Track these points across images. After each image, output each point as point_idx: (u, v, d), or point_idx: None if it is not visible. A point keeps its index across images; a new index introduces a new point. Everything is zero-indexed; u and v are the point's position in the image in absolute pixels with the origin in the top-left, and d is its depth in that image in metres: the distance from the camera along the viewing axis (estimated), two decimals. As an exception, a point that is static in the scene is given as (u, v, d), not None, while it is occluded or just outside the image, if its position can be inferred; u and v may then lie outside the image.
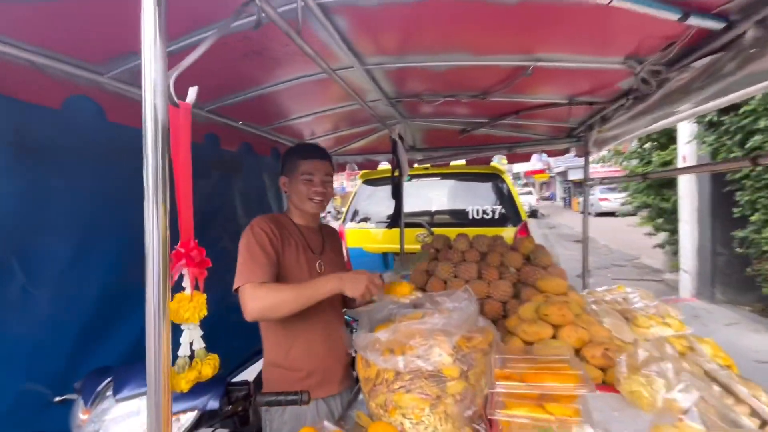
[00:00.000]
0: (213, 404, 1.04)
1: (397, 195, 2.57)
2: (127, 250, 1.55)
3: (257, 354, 1.88)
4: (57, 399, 1.29)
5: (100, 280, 1.44)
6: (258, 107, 2.03)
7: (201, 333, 0.67)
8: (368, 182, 4.30)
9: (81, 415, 1.13)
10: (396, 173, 2.51)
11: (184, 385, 0.66)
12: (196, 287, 0.64)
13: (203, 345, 0.68)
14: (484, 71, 1.67)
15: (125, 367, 1.20)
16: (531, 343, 1.49)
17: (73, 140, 1.30)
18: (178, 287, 0.66)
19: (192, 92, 0.63)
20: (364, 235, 4.09)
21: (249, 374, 1.90)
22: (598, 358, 1.38)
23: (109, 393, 1.09)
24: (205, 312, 0.65)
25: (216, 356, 0.70)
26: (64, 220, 1.31)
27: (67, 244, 1.33)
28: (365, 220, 4.19)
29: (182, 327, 0.65)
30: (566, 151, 3.04)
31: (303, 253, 1.43)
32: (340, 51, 1.44)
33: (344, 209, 4.50)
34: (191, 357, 0.68)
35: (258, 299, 1.19)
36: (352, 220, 4.25)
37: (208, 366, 0.68)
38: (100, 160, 1.41)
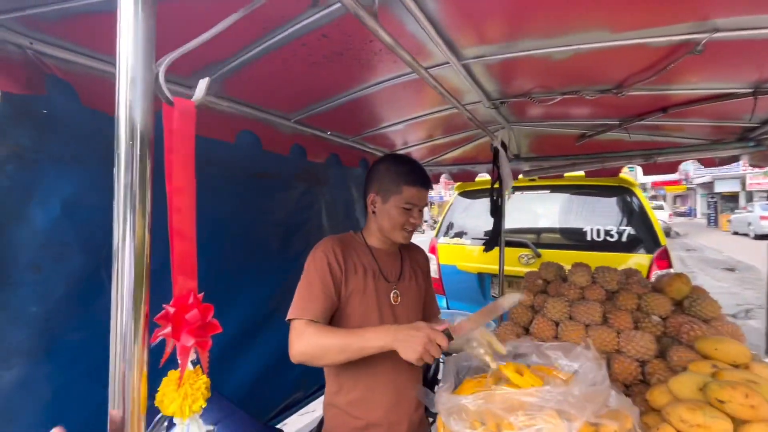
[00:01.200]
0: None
1: (498, 211, 2.20)
2: (207, 257, 1.54)
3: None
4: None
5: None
6: (345, 116, 1.90)
7: (205, 428, 0.50)
8: (465, 194, 3.96)
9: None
10: (496, 185, 2.16)
11: None
12: (195, 363, 0.46)
13: None
14: (623, 55, 1.25)
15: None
16: (693, 438, 1.03)
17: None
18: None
19: (201, 86, 0.46)
20: (458, 252, 3.74)
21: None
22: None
23: (164, 426, 1.01)
24: (202, 403, 0.46)
25: None
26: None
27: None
28: (460, 235, 3.85)
29: (175, 421, 0.48)
30: (733, 159, 2.29)
31: (373, 281, 1.25)
32: (430, 43, 1.20)
33: (439, 220, 4.22)
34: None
35: (303, 342, 1.07)
36: (446, 234, 3.95)
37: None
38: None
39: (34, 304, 0.99)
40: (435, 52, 1.28)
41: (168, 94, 0.42)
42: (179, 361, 0.42)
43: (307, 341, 1.07)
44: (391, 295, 1.28)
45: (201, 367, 0.47)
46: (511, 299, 1.20)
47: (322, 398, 1.34)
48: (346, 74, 1.43)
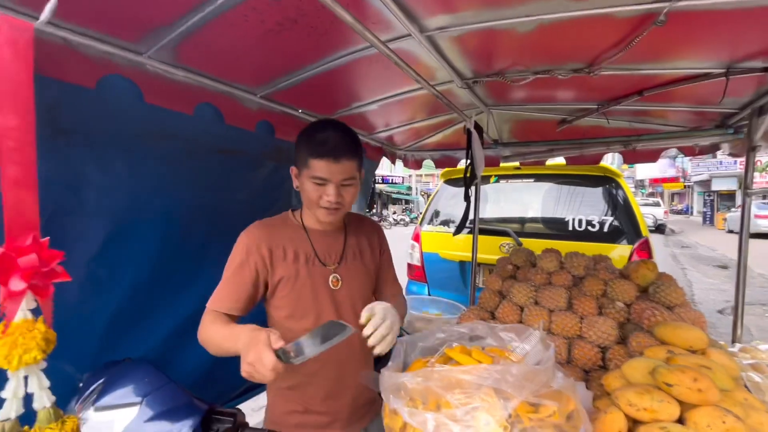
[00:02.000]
0: (184, 435, 0.85)
1: (469, 197, 2.16)
2: (164, 235, 1.50)
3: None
4: (81, 384, 1.26)
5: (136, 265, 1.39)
6: (315, 93, 1.85)
7: (47, 383, 0.46)
8: (450, 182, 3.91)
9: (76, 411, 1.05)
10: (470, 172, 2.11)
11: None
12: (35, 312, 0.42)
13: (52, 401, 0.47)
14: (591, 27, 1.20)
15: (125, 369, 1.09)
16: (638, 422, 1.00)
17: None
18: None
19: (48, 7, 0.41)
20: (442, 240, 3.71)
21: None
22: (764, 474, 0.84)
23: (95, 397, 0.98)
24: (37, 354, 0.42)
25: (75, 419, 0.48)
26: (97, 206, 1.27)
27: (100, 231, 1.29)
28: (445, 223, 3.81)
29: (8, 374, 0.44)
30: (714, 148, 2.26)
31: (306, 266, 1.17)
32: (386, 11, 1.14)
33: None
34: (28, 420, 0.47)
35: (200, 330, 1.07)
36: (430, 222, 3.91)
37: (57, 433, 0.46)
38: (137, 143, 1.36)
39: None
40: (393, 21, 1.23)
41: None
42: (5, 307, 0.38)
43: (202, 330, 1.07)
44: (330, 279, 1.19)
45: (44, 317, 0.43)
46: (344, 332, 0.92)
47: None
48: (305, 45, 1.38)
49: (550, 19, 1.15)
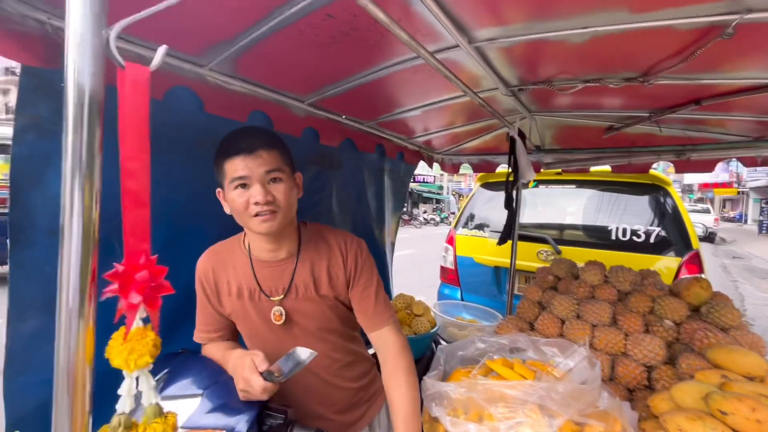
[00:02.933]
0: (240, 428, 0.91)
1: (511, 205, 2.14)
2: (214, 236, 1.59)
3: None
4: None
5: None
6: (359, 100, 1.90)
7: (154, 383, 0.52)
8: (487, 186, 3.87)
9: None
10: (512, 178, 2.09)
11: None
12: (145, 321, 0.48)
13: (156, 400, 0.53)
14: (646, 39, 1.17)
15: (185, 361, 1.18)
16: (690, 449, 0.97)
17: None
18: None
19: (159, 52, 0.47)
20: (476, 244, 3.68)
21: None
22: None
23: (161, 385, 1.07)
24: (148, 359, 0.48)
25: (174, 415, 0.54)
26: (159, 206, 1.37)
27: (161, 229, 1.39)
28: (480, 227, 3.78)
29: (124, 374, 0.50)
30: (778, 158, 2.11)
31: (250, 301, 1.11)
32: (437, 23, 1.16)
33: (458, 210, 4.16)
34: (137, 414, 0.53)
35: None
36: (465, 225, 3.89)
37: (158, 429, 0.52)
38: (197, 150, 1.45)
39: (47, 265, 1.07)
40: (443, 33, 1.24)
41: (119, 59, 0.43)
42: (126, 317, 0.44)
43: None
44: (272, 314, 1.10)
45: (152, 326, 0.49)
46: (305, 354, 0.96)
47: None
48: (355, 56, 1.42)
49: (606, 31, 1.13)
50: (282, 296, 1.10)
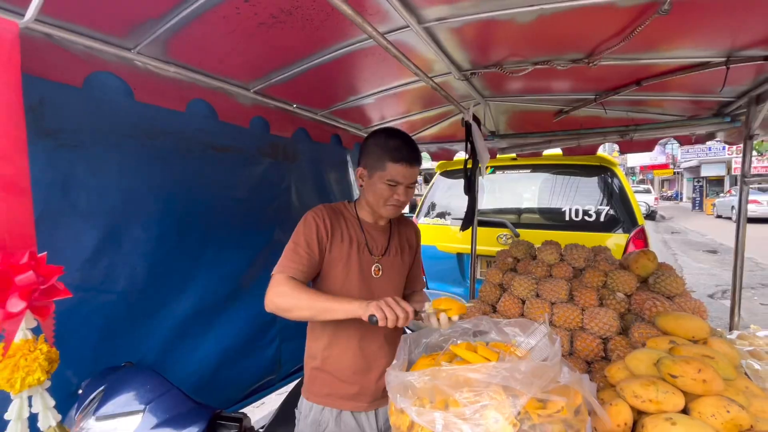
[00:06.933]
0: (190, 443, 0.83)
1: (471, 190, 2.15)
2: (159, 236, 1.47)
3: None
4: (80, 391, 1.23)
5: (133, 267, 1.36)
6: (310, 87, 1.81)
7: (52, 402, 0.44)
8: (446, 174, 3.89)
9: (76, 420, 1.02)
10: (470, 164, 2.09)
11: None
12: (36, 332, 0.39)
13: (58, 419, 0.45)
14: (592, 17, 1.18)
15: (126, 375, 1.07)
16: (643, 413, 1.01)
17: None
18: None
19: (33, 4, 0.38)
20: (438, 233, 3.71)
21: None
22: (770, 463, 0.85)
23: (95, 405, 0.96)
24: (41, 376, 0.40)
25: None
26: (89, 208, 1.23)
27: (92, 233, 1.26)
28: (442, 215, 3.80)
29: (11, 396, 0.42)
30: (710, 137, 2.26)
31: (356, 253, 1.29)
32: (384, 2, 1.11)
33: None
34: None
35: (278, 295, 1.13)
36: (426, 215, 3.90)
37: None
38: (128, 142, 1.32)
39: None
40: (391, 12, 1.19)
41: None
42: (4, 329, 0.36)
43: (283, 294, 1.12)
44: (373, 268, 1.31)
45: (45, 336, 0.40)
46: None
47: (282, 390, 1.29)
48: (301, 38, 1.34)
49: (552, 9, 1.13)
50: (382, 254, 1.33)
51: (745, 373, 1.19)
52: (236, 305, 1.79)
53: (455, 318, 1.19)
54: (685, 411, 0.99)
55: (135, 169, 1.35)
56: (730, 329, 1.74)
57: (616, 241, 2.95)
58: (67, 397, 1.23)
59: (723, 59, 1.37)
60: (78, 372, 1.24)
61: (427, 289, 3.61)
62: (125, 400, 0.94)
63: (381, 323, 1.02)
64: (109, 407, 0.93)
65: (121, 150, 1.31)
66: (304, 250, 1.20)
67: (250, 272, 1.86)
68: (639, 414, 1.02)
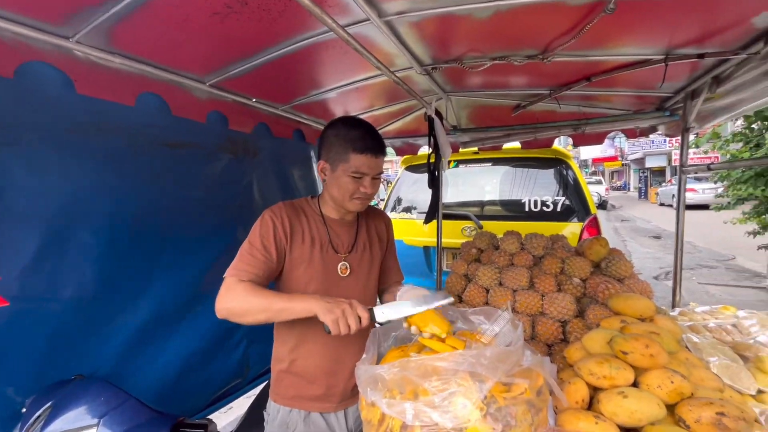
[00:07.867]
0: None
1: (435, 184, 2.18)
2: (110, 240, 1.38)
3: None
4: (24, 410, 1.14)
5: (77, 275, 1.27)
6: (270, 81, 1.76)
7: None
8: (411, 168, 3.94)
9: (21, 442, 0.94)
10: (433, 158, 2.12)
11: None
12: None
13: None
14: (545, 14, 1.23)
15: (76, 388, 1.00)
16: (599, 389, 1.08)
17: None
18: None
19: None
20: (405, 227, 3.74)
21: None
22: (708, 425, 0.93)
23: (42, 423, 0.89)
24: None
25: None
26: (26, 211, 1.13)
27: (31, 239, 1.16)
28: (407, 210, 3.84)
29: None
30: (653, 130, 2.43)
31: (319, 253, 1.22)
32: (344, -6, 1.10)
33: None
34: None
35: (230, 299, 1.07)
36: (393, 209, 3.93)
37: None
38: (70, 138, 1.22)
39: None
40: (351, 5, 1.18)
41: None
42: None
43: (235, 298, 1.07)
44: (339, 267, 1.25)
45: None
46: (444, 299, 1.13)
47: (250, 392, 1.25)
48: (258, 30, 1.29)
49: (507, 6, 1.16)
50: (348, 251, 1.27)
51: (686, 346, 1.29)
52: (198, 309, 1.72)
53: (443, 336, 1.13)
54: (635, 384, 1.06)
55: (80, 168, 1.25)
56: (673, 307, 1.89)
57: (571, 229, 3.11)
58: (10, 417, 1.14)
59: (662, 56, 1.48)
60: (21, 389, 1.14)
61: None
62: (76, 414, 0.88)
63: (334, 332, 1.01)
64: (58, 424, 0.87)
65: (64, 147, 1.21)
66: (261, 253, 1.14)
67: (212, 274, 1.78)
68: (595, 390, 1.09)
